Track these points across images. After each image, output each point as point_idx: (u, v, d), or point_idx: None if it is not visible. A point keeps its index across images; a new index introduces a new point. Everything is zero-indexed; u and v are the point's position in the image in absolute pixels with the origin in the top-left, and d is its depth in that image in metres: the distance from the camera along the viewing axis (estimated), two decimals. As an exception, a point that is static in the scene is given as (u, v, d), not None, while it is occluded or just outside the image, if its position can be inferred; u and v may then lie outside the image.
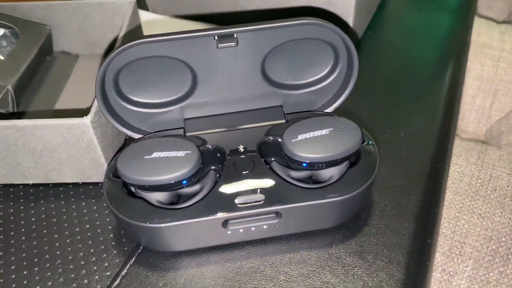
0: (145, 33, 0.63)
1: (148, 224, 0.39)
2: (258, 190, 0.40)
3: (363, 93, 0.47)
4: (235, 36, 0.42)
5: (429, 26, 0.70)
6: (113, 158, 0.46)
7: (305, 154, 0.40)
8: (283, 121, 0.46)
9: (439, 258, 0.52)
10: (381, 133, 0.53)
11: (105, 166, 0.47)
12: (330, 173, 0.42)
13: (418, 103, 0.57)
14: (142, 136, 0.46)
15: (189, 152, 0.41)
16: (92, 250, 0.44)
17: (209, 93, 0.46)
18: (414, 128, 0.54)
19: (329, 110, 0.49)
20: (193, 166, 0.40)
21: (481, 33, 0.82)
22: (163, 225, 0.38)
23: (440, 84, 0.60)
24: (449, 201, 0.52)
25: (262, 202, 0.39)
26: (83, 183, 0.50)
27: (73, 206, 0.48)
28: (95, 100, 0.44)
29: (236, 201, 0.40)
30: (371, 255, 0.42)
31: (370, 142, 0.44)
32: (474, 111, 0.76)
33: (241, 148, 0.43)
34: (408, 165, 0.50)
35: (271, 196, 0.40)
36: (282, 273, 0.41)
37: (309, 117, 0.44)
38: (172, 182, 0.39)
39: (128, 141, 0.52)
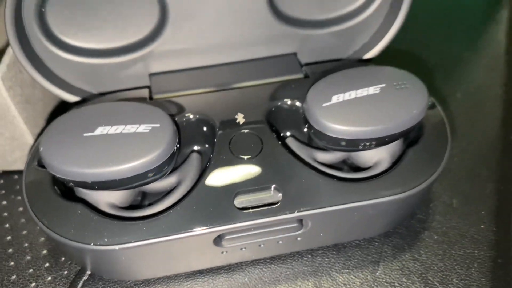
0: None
1: (92, 246, 0.23)
2: (272, 185, 0.25)
3: (398, 38, 0.32)
4: None
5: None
6: (39, 135, 0.30)
7: (346, 126, 0.25)
8: (300, 75, 0.31)
9: None
10: (430, 93, 0.38)
11: (33, 147, 0.31)
12: (377, 156, 0.27)
13: (472, 51, 0.42)
14: (82, 99, 0.31)
15: (157, 125, 0.25)
16: (14, 277, 0.28)
17: (187, 34, 0.30)
18: (472, 85, 0.39)
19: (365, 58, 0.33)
20: (164, 147, 0.24)
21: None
22: (116, 247, 0.23)
23: (496, 25, 0.45)
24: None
25: (278, 204, 0.24)
26: (4, 172, 0.34)
27: (-12, 207, 0.32)
28: (9, 45, 0.28)
29: (237, 203, 0.24)
30: (438, 277, 0.28)
31: (431, 104, 0.30)
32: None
33: (240, 118, 0.28)
34: (472, 138, 0.35)
35: (291, 195, 0.25)
36: (306, 309, 0.26)
37: (340, 68, 0.29)
38: (130, 175, 0.24)
39: (65, 108, 0.35)
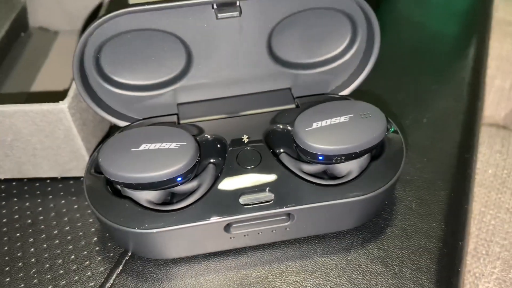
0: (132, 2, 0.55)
1: (136, 230, 0.33)
2: (267, 188, 0.34)
3: (377, 73, 0.41)
4: (237, 4, 0.35)
5: (447, -1, 0.64)
6: (95, 149, 0.40)
7: (322, 145, 0.34)
8: (293, 106, 0.40)
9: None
10: (401, 119, 0.47)
11: (87, 158, 0.41)
12: (348, 168, 0.36)
13: (440, 84, 0.51)
14: (128, 124, 0.40)
15: (184, 143, 0.34)
16: (72, 257, 0.38)
17: (206, 74, 0.40)
18: (437, 113, 0.48)
19: (345, 93, 0.42)
20: (189, 159, 0.33)
21: (499, 8, 0.75)
22: (154, 230, 0.32)
23: (463, 62, 0.54)
24: (472, 194, 0.47)
25: (271, 202, 0.33)
26: (62, 178, 0.43)
27: (51, 205, 0.41)
28: (73, 82, 0.38)
29: (241, 201, 0.33)
30: (396, 261, 0.36)
31: (394, 129, 0.38)
32: (493, 92, 0.70)
33: (245, 138, 0.37)
34: (433, 155, 0.44)
35: (281, 195, 0.34)
36: (293, 283, 0.35)
37: (323, 101, 0.38)
38: (165, 179, 0.33)
39: (113, 129, 0.45)
